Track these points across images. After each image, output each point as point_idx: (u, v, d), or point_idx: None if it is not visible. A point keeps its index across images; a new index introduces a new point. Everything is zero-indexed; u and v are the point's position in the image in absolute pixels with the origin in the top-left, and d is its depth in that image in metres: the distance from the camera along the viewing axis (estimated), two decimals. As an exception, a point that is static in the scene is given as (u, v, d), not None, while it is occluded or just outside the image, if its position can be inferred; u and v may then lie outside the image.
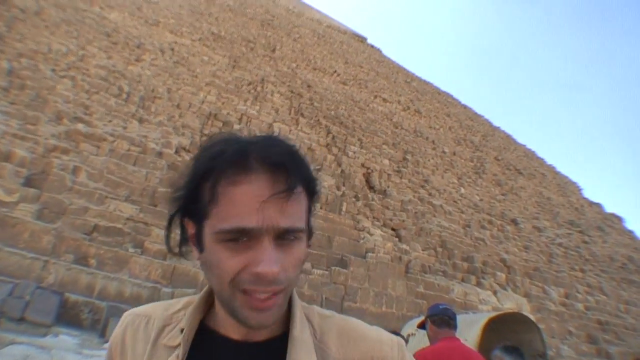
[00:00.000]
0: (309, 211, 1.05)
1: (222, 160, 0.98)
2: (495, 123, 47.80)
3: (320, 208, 20.72)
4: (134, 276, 12.50)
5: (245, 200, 0.92)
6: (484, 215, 26.39)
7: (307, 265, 16.93)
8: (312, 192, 1.05)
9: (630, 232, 37.89)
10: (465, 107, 48.51)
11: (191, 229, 1.10)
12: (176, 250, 1.21)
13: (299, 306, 1.10)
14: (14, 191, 12.33)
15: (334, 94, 31.66)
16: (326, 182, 22.35)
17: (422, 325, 3.76)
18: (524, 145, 46.45)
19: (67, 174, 13.71)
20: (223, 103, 23.45)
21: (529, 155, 44.35)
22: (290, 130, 24.72)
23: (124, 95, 19.10)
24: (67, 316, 10.35)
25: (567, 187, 40.56)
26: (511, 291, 20.55)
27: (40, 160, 13.64)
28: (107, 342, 9.78)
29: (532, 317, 13.95)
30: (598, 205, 40.53)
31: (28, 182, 12.93)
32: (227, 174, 0.96)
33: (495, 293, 20.10)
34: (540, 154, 52.61)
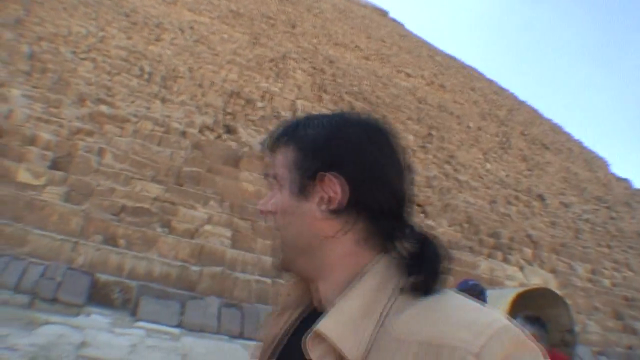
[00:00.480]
0: (298, 162, 1.07)
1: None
2: (521, 97, 46.60)
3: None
4: (163, 255, 12.52)
5: None
6: (510, 190, 25.83)
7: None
8: (301, 148, 1.08)
9: None
10: (490, 81, 47.32)
11: None
12: None
13: (361, 281, 0.97)
14: (40, 174, 12.39)
15: (357, 70, 31.12)
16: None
17: None
18: (550, 120, 45.19)
19: (93, 155, 13.72)
20: (245, 81, 23.21)
21: (556, 129, 43.16)
22: (314, 107, 24.40)
23: (146, 76, 19.00)
24: (98, 296, 10.40)
25: (594, 162, 39.46)
26: (537, 267, 20.12)
27: (65, 143, 13.66)
28: (138, 320, 9.82)
29: (559, 292, 13.63)
30: (626, 180, 39.41)
31: (54, 165, 12.97)
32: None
33: (521, 269, 19.69)
34: (567, 128, 51.13)
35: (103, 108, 15.74)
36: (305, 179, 1.04)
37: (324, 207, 1.01)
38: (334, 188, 1.00)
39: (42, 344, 6.62)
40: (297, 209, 1.04)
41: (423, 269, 0.94)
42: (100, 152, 14.05)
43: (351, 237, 1.00)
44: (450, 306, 0.88)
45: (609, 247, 25.57)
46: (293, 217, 1.04)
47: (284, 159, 1.08)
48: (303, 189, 1.04)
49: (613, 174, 39.73)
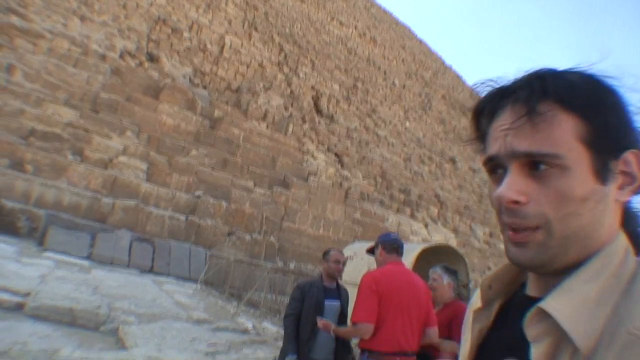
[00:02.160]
0: (595, 139, 0.87)
1: (486, 100, 0.97)
2: (448, 62, 48.12)
3: (267, 127, 20.66)
4: (73, 184, 12.23)
5: (493, 132, 0.92)
6: (425, 150, 27.20)
7: (250, 184, 17.12)
8: (588, 117, 0.87)
9: None
10: (420, 41, 48.21)
11: None
12: None
13: (602, 258, 0.88)
14: (-61, 85, 11.47)
15: (291, 11, 30.51)
16: (274, 102, 22.08)
17: (371, 251, 4.03)
18: (473, 88, 47.20)
19: (1, 72, 12.80)
20: (173, 8, 22.13)
21: (476, 97, 45.13)
22: (242, 45, 23.86)
23: (64, -12, 17.60)
24: (3, 223, 10.10)
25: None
26: (441, 225, 21.77)
27: (-31, 54, 12.63)
28: (45, 250, 9.72)
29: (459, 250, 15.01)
30: None
31: (-44, 77, 12.03)
32: (487, 111, 0.96)
33: (426, 226, 21.22)
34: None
35: (14, 19, 14.52)
36: (607, 158, 0.88)
37: (629, 188, 0.89)
38: (637, 166, 0.88)
39: (-54, 272, 6.51)
40: (597, 194, 0.86)
41: None
42: (10, 69, 13.12)
43: (619, 219, 0.91)
44: None
45: (508, 212, 27.89)
46: (590, 204, 0.86)
47: (565, 131, 0.86)
48: (604, 170, 0.87)
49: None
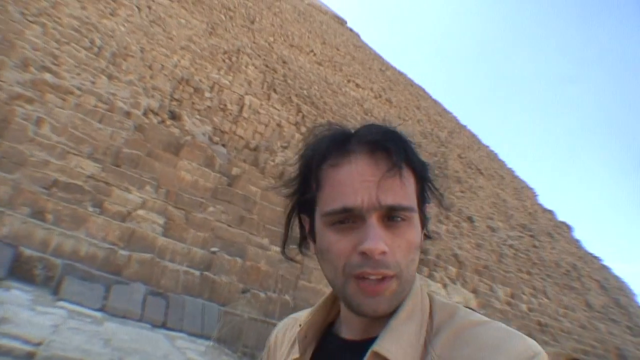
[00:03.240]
0: (420, 196, 1.00)
1: (324, 146, 1.00)
2: (463, 121, 48.80)
3: (282, 186, 20.67)
4: (91, 236, 12.27)
5: (348, 181, 0.93)
6: (442, 209, 27.05)
7: (266, 241, 17.03)
8: (420, 176, 1.00)
9: (577, 241, 39.87)
10: (435, 101, 49.21)
11: (307, 224, 1.11)
12: (289, 254, 1.23)
13: (413, 298, 0.98)
14: (-30, 136, 11.83)
15: (308, 74, 31.49)
16: (291, 161, 22.28)
17: None
18: (488, 147, 47.58)
19: (30, 124, 13.22)
20: (196, 69, 22.97)
21: (491, 156, 45.50)
22: (262, 105, 24.50)
23: (95, 49, 18.44)
24: (20, 270, 10.09)
25: (523, 192, 41.92)
26: (460, 286, 21.27)
27: (2, 107, 13.07)
28: (60, 299, 9.63)
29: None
30: (550, 212, 42.05)
31: (-13, 129, 12.42)
32: (328, 158, 0.98)
33: (445, 286, 20.75)
34: (503, 156, 54.13)
35: (47, 76, 15.16)
36: (424, 212, 1.03)
37: (423, 232, 1.04)
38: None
39: (-36, 316, 6.46)
40: (421, 242, 0.99)
41: None
42: (38, 122, 13.55)
43: None
44: (484, 331, 0.89)
45: (529, 273, 27.29)
46: (418, 250, 0.98)
47: (410, 187, 0.96)
48: (425, 220, 1.03)
49: (540, 205, 42.28)
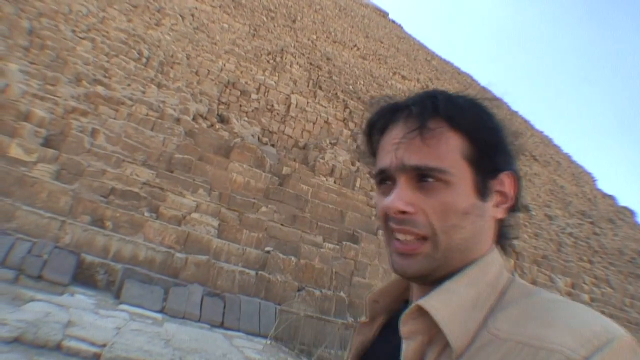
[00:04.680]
0: (473, 159, 0.92)
1: (375, 118, 1.03)
2: (514, 107, 47.11)
3: (334, 182, 20.73)
4: (149, 240, 12.61)
5: (384, 146, 0.97)
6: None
7: (319, 239, 17.00)
8: (470, 136, 0.92)
9: None
10: (484, 88, 47.56)
11: None
12: None
13: (480, 267, 0.91)
14: (32, 151, 12.40)
15: (353, 69, 31.28)
16: (341, 157, 22.25)
17: None
18: (542, 132, 45.78)
19: (86, 136, 13.74)
20: (242, 72, 23.26)
21: (546, 142, 43.75)
22: (308, 103, 24.52)
23: (143, 60, 19.00)
24: (83, 276, 10.49)
25: (581, 177, 40.09)
26: (518, 277, 20.44)
27: (59, 122, 13.66)
28: (121, 302, 9.92)
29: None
30: (611, 197, 40.14)
31: (47, 143, 13.00)
32: (379, 126, 1.01)
33: (503, 278, 20.06)
34: (557, 141, 52.06)
35: (99, 89, 15.73)
36: (487, 177, 0.94)
37: (503, 206, 0.97)
38: (511, 186, 0.97)
39: (30, 320, 6.71)
40: (477, 209, 0.91)
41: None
42: (94, 133, 14.07)
43: (495, 233, 0.97)
44: (558, 308, 0.80)
45: (590, 262, 26.09)
46: (471, 218, 0.90)
47: (452, 148, 0.90)
48: (484, 187, 0.93)
49: (599, 190, 40.32)
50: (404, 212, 0.89)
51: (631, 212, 38.95)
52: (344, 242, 17.47)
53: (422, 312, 0.85)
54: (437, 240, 0.88)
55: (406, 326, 0.87)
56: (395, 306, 1.11)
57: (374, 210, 20.59)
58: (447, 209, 0.89)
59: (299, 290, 14.27)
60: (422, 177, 0.90)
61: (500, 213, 0.97)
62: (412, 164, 0.90)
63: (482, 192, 0.93)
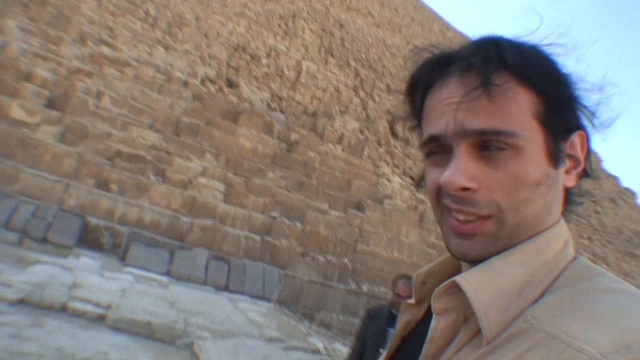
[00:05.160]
0: (547, 118, 0.74)
1: (419, 74, 0.82)
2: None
3: (342, 151, 20.56)
4: (154, 204, 12.57)
5: (435, 106, 0.77)
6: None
7: (325, 206, 16.94)
8: (542, 92, 0.74)
9: None
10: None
11: None
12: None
13: (538, 243, 0.75)
14: (35, 112, 12.25)
15: (366, 37, 30.66)
16: (350, 125, 22.00)
17: None
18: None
19: (91, 97, 13.56)
20: (252, 36, 22.83)
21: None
22: (319, 70, 24.12)
23: (150, 20, 18.62)
24: (88, 239, 10.49)
25: (587, 156, 40.34)
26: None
27: (63, 82, 13.47)
28: (127, 265, 9.94)
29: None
30: (615, 178, 40.43)
31: (50, 104, 12.84)
32: (427, 83, 0.81)
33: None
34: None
35: (104, 50, 15.47)
36: (559, 139, 0.78)
37: (574, 172, 0.81)
38: (582, 148, 0.80)
39: (36, 282, 6.70)
40: (550, 178, 0.77)
41: None
42: (99, 95, 13.88)
43: (563, 203, 0.83)
44: (610, 300, 0.67)
45: (589, 239, 26.42)
46: (539, 189, 0.76)
47: (522, 106, 0.75)
48: (556, 152, 0.77)
49: (604, 170, 40.56)
50: (465, 189, 0.73)
51: (632, 194, 39.41)
52: (350, 210, 17.41)
53: (460, 289, 0.72)
54: (504, 217, 0.73)
55: (439, 302, 0.76)
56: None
57: (380, 178, 20.45)
58: (517, 182, 0.73)
59: (303, 256, 14.29)
60: (485, 144, 0.73)
61: (571, 181, 0.80)
62: (476, 127, 0.73)
63: (555, 157, 0.77)
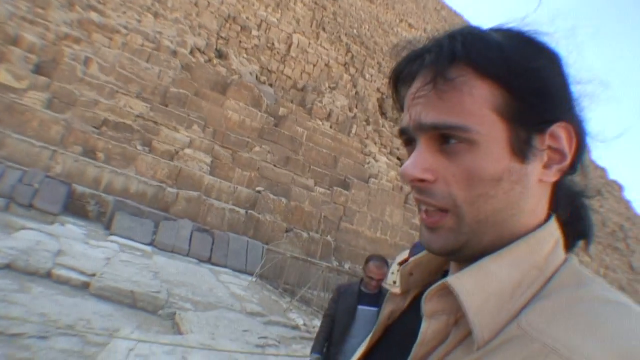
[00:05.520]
0: (512, 111, 0.73)
1: (402, 64, 0.83)
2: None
3: (330, 127, 20.63)
4: (140, 174, 12.64)
5: (405, 101, 0.80)
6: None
7: (311, 182, 17.10)
8: (508, 83, 0.72)
9: (627, 201, 38.61)
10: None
11: None
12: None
13: (528, 244, 0.75)
14: (23, 77, 12.15)
15: (359, 12, 30.37)
16: (339, 102, 22.02)
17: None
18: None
19: (79, 64, 13.44)
20: (243, 6, 22.55)
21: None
22: (310, 44, 23.96)
23: (140, -13, 18.33)
24: (74, 207, 10.57)
25: (575, 145, 40.42)
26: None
27: (51, 48, 13.32)
28: (112, 234, 10.07)
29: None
30: (602, 169, 40.36)
31: (38, 70, 12.72)
32: (404, 77, 0.83)
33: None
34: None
35: (93, 15, 15.25)
36: (531, 132, 0.75)
37: (557, 166, 0.76)
38: (569, 141, 0.76)
39: (21, 248, 6.82)
40: (514, 173, 0.74)
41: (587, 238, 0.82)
42: (87, 62, 13.76)
43: (547, 202, 0.80)
44: (608, 312, 0.65)
45: (571, 229, 26.90)
46: (505, 184, 0.74)
47: (478, 100, 0.73)
48: (525, 145, 0.75)
49: (592, 161, 40.64)
50: (421, 180, 0.75)
51: (619, 187, 39.52)
52: (335, 188, 17.60)
53: (447, 292, 0.73)
54: (461, 212, 0.75)
55: (430, 304, 0.75)
56: (432, 278, 0.97)
57: (367, 157, 20.61)
58: (472, 177, 0.74)
59: (287, 231, 14.50)
60: (444, 138, 0.74)
61: (552, 175, 0.76)
62: (430, 121, 0.74)
63: (521, 151, 0.74)
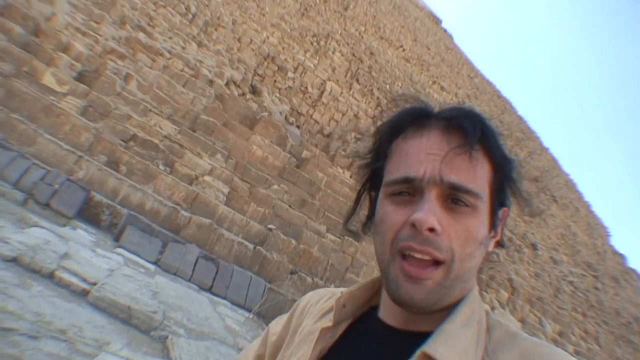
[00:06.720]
0: (495, 190, 0.90)
1: (400, 119, 0.96)
2: (547, 143, 46.36)
3: (350, 177, 20.72)
4: (158, 192, 12.76)
5: (415, 152, 0.89)
6: (506, 231, 25.99)
7: (323, 228, 17.05)
8: (498, 167, 0.89)
9: None
10: (520, 118, 47.08)
11: (373, 200, 1.06)
12: (354, 227, 1.17)
13: (470, 305, 0.89)
14: (65, 82, 12.56)
15: (394, 69, 31.02)
16: (361, 152, 22.06)
17: None
18: (568, 175, 44.98)
19: (119, 79, 13.88)
20: (283, 48, 23.23)
21: (569, 185, 43.01)
22: (342, 93, 24.44)
23: (190, 16, 19.06)
24: (88, 213, 10.68)
25: (596, 229, 39.38)
26: (509, 312, 20.36)
27: (96, 60, 13.81)
28: (119, 246, 10.11)
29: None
30: (621, 256, 39.40)
31: (80, 77, 13.15)
32: (402, 131, 0.94)
33: (492, 309, 19.94)
34: (581, 187, 51.10)
35: (141, 36, 15.85)
36: (497, 209, 0.92)
37: (494, 240, 0.95)
38: (503, 223, 0.96)
39: (30, 244, 6.86)
40: (486, 241, 0.90)
41: None
42: (127, 78, 14.21)
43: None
44: (553, 354, 0.81)
45: (584, 315, 25.76)
46: (480, 248, 0.88)
47: (485, 174, 0.88)
48: (495, 219, 0.93)
49: (611, 246, 39.48)
50: (432, 230, 0.82)
51: (638, 275, 38.14)
52: (346, 237, 17.49)
53: (428, 358, 0.81)
54: (453, 267, 0.84)
55: None
56: (361, 311, 1.06)
57: (383, 211, 20.52)
58: (469, 236, 0.85)
59: (291, 273, 14.36)
60: (453, 197, 0.85)
61: (491, 246, 0.95)
62: (452, 181, 0.83)
63: (493, 223, 0.91)
